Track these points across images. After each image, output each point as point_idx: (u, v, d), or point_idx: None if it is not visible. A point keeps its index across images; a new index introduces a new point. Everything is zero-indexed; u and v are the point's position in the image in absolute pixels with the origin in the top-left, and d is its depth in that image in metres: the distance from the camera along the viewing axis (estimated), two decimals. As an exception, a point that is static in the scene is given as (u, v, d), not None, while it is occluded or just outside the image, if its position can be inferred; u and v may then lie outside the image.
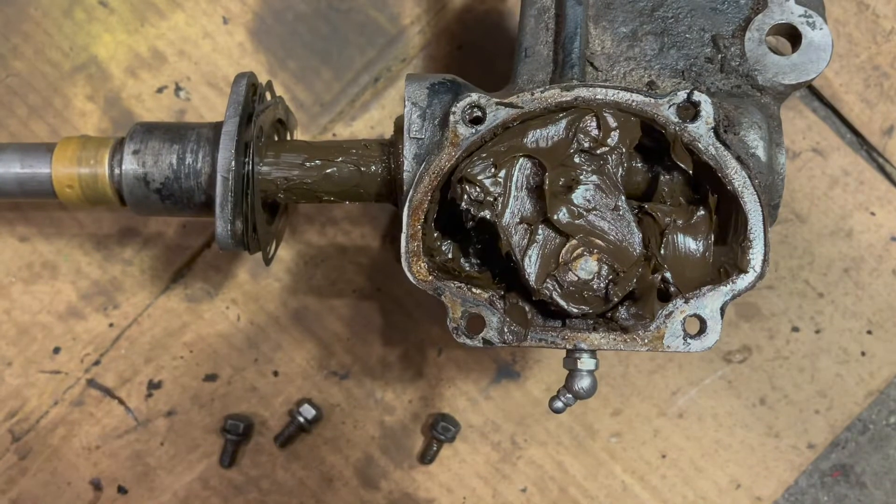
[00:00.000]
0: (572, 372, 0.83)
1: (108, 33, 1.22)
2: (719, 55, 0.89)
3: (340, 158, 0.93)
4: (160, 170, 0.92)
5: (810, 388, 1.23)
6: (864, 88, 1.25)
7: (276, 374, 1.21)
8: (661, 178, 0.87)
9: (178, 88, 1.22)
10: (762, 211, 0.81)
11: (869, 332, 1.23)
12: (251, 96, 0.93)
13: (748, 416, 1.23)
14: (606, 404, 1.24)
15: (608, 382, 1.24)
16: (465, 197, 0.81)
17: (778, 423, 1.23)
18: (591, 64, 0.90)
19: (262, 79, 1.21)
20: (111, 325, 1.21)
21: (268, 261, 1.01)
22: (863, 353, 1.23)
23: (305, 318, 1.21)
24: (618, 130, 0.81)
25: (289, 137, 1.07)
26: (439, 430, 1.19)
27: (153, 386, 1.21)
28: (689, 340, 0.82)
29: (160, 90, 1.22)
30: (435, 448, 1.21)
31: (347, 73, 1.22)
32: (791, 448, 1.23)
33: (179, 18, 1.23)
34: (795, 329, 1.23)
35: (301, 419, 1.19)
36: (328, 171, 0.93)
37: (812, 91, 1.27)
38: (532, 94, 0.84)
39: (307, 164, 0.93)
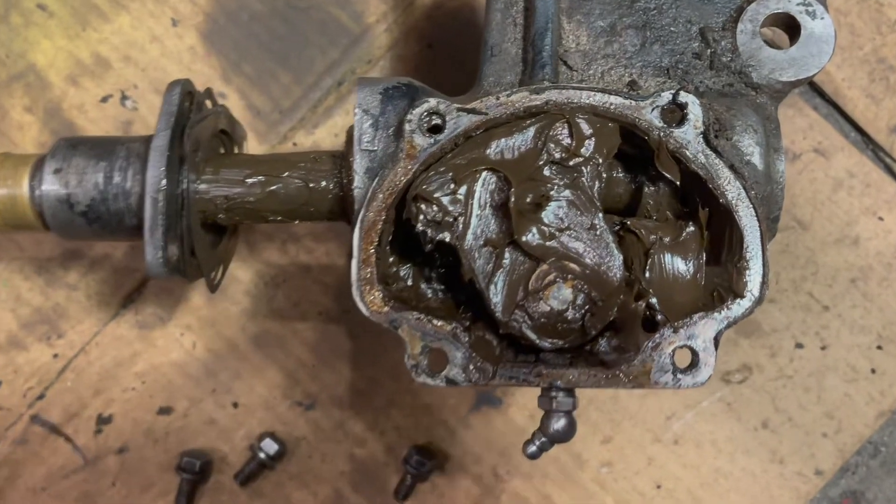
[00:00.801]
0: (548, 412, 0.74)
1: (47, 39, 1.13)
2: (708, 50, 0.80)
3: (286, 173, 0.83)
4: (85, 190, 0.82)
5: (817, 410, 1.14)
6: (868, 83, 1.16)
7: (235, 405, 1.13)
8: (646, 189, 0.77)
9: (124, 97, 1.13)
10: (759, 226, 0.72)
11: (879, 348, 1.14)
12: (187, 105, 0.83)
13: (750, 440, 1.14)
14: (596, 431, 1.14)
15: (597, 407, 1.15)
16: (421, 217, 0.72)
17: (782, 447, 1.14)
18: (565, 63, 0.80)
19: (216, 85, 1.12)
20: (56, 355, 1.12)
21: (213, 287, 0.92)
22: (873, 371, 1.14)
23: (267, 344, 1.13)
24: (593, 138, 0.71)
25: (237, 151, 0.97)
26: (414, 464, 1.10)
27: (103, 421, 1.13)
28: (679, 375, 0.72)
29: (104, 99, 1.13)
30: (410, 482, 1.12)
31: (308, 77, 1.13)
32: (797, 475, 1.14)
33: (124, 21, 1.14)
34: (799, 346, 1.14)
35: (263, 454, 1.11)
36: (272, 187, 0.83)
37: (813, 87, 1.18)
38: (497, 99, 0.74)
39: (249, 180, 0.83)
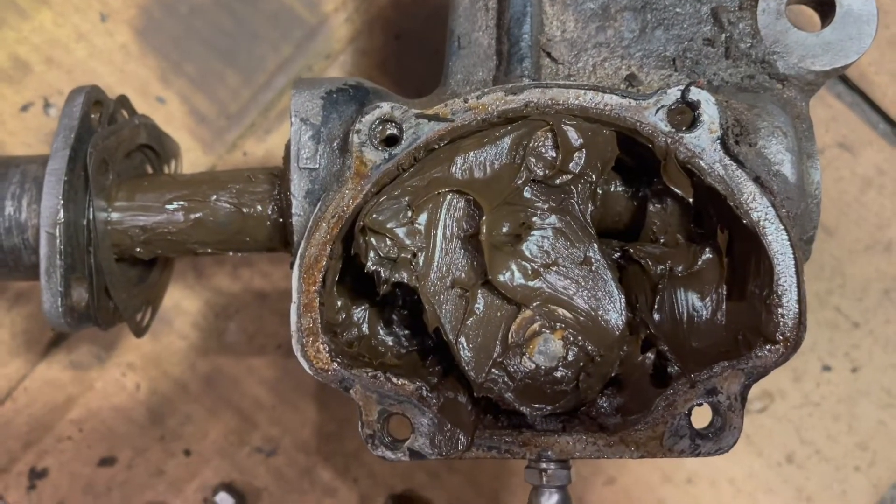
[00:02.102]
0: (537, 488, 0.60)
1: (-43, 40, 0.99)
2: (723, 35, 0.66)
3: (215, 197, 0.70)
4: (-27, 223, 0.68)
5: (847, 440, 1.03)
6: (899, 67, 1.02)
7: (187, 453, 1.02)
8: (650, 207, 0.64)
9: (47, 105, 1.00)
10: (793, 252, 0.58)
11: (918, 369, 1.01)
12: (95, 118, 0.69)
13: (773, 477, 1.03)
14: (597, 471, 1.03)
15: (598, 443, 1.01)
16: (372, 254, 0.57)
17: (809, 484, 1.03)
18: (549, 54, 0.67)
19: (154, 88, 0.99)
20: (-22, 403, 1.00)
21: (139, 331, 0.78)
22: (911, 395, 1.01)
23: (219, 384, 1.03)
24: (584, 150, 0.57)
25: (168, 170, 0.83)
26: (393, 516, 0.97)
27: (36, 475, 1.02)
28: (698, 441, 0.59)
29: (25, 108, 1.01)
30: (387, 536, 0.99)
31: (259, 76, 1.01)
32: (827, 514, 1.01)
33: (45, 18, 1.01)
34: (827, 368, 1.03)
35: (219, 509, 0.99)
36: (198, 214, 0.70)
37: (835, 73, 1.04)
38: (466, 101, 0.61)
39: (170, 206, 0.70)
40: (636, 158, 0.63)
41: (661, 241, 0.64)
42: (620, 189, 0.66)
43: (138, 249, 0.71)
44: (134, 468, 1.01)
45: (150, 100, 1.00)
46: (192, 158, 0.99)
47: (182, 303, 1.00)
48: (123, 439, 1.01)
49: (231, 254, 0.73)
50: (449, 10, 0.69)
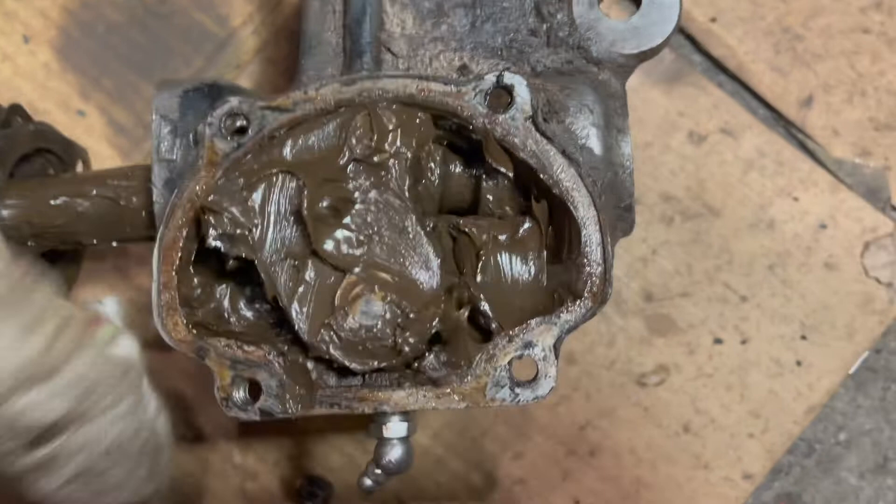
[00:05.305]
0: (381, 441, 0.66)
1: None
2: (544, 25, 0.72)
3: (95, 191, 0.76)
4: None
5: (741, 409, 1.06)
6: (774, 55, 1.08)
7: None
8: (484, 185, 0.69)
9: (-26, 122, 1.05)
10: (598, 216, 0.64)
11: (803, 338, 1.06)
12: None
13: (671, 447, 1.06)
14: (505, 447, 1.06)
15: (504, 420, 1.07)
16: (211, 231, 0.64)
17: (706, 452, 1.06)
18: (389, 49, 0.73)
19: (74, 102, 1.06)
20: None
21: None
22: (798, 363, 1.06)
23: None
24: (399, 131, 0.63)
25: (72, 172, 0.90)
26: (305, 496, 1.02)
27: None
28: (517, 390, 0.64)
29: None
30: (306, 515, 1.04)
31: (172, 88, 1.05)
32: (724, 480, 1.06)
33: (-28, 42, 1.07)
34: (718, 341, 1.06)
35: (144, 495, 1.01)
36: (80, 208, 0.76)
37: (715, 63, 1.10)
38: (305, 93, 0.67)
39: (54, 202, 0.76)
40: (471, 143, 0.69)
41: (497, 214, 0.70)
42: (460, 170, 0.72)
43: (30, 243, 0.77)
44: (67, 459, 1.07)
45: (72, 113, 1.07)
46: (112, 165, 1.06)
47: (106, 301, 1.06)
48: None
49: (115, 244, 0.79)
50: (300, 14, 0.76)
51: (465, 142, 0.69)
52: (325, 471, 1.06)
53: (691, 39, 1.10)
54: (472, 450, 1.07)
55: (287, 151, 0.64)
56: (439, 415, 1.07)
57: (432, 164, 0.69)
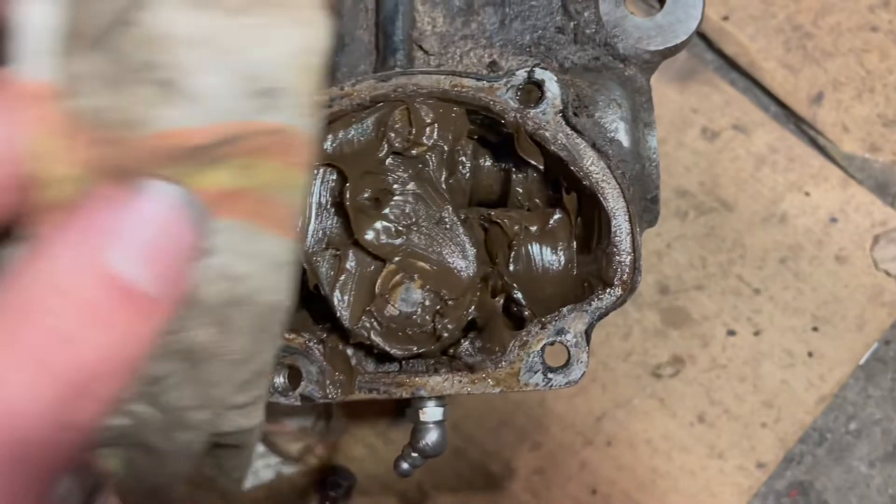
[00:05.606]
0: (417, 425, 0.68)
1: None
2: (571, 23, 0.74)
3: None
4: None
5: (754, 399, 1.08)
6: (784, 53, 1.10)
7: None
8: (514, 178, 0.71)
9: None
10: (627, 207, 0.66)
11: (815, 329, 1.08)
12: None
13: (686, 437, 1.08)
14: (523, 438, 1.08)
15: (524, 412, 1.09)
16: (255, 223, 0.66)
17: (721, 441, 1.08)
18: (420, 47, 0.75)
19: None
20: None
21: None
22: (810, 354, 1.08)
23: None
24: (435, 125, 0.65)
25: None
26: (329, 486, 1.04)
27: None
28: (550, 375, 0.66)
29: None
30: (329, 505, 1.06)
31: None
32: (738, 469, 1.08)
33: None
34: (731, 333, 1.08)
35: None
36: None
37: (727, 61, 1.13)
38: (342, 89, 0.69)
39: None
40: (499, 135, 0.71)
41: (526, 206, 0.73)
42: (490, 164, 0.74)
43: None
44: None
45: None
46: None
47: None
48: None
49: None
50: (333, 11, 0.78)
51: (494, 136, 0.71)
52: (347, 461, 1.08)
53: (704, 38, 1.13)
54: (491, 440, 1.09)
55: (327, 145, 0.66)
56: (459, 406, 1.09)
57: (463, 158, 0.71)
